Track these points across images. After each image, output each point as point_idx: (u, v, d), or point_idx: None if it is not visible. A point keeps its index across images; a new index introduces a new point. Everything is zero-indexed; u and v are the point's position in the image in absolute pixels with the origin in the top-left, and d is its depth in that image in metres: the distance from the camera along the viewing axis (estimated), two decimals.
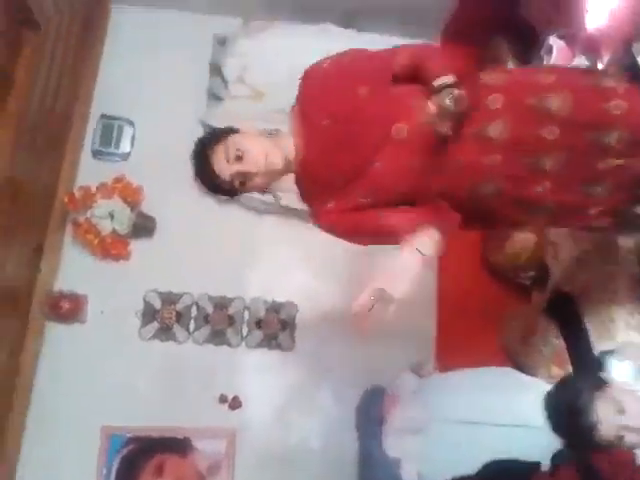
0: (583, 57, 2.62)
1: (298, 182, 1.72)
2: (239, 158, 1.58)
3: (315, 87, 1.70)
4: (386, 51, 1.68)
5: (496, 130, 1.58)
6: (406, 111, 1.56)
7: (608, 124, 1.60)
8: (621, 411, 1.95)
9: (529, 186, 1.62)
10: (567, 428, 2.12)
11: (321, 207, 1.65)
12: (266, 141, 1.64)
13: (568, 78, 1.69)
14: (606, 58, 2.35)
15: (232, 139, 1.62)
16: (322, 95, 1.65)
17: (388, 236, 1.60)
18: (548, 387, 2.49)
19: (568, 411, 2.08)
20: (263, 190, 1.71)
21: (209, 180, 1.65)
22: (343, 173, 1.59)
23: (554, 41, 2.70)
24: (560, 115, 1.59)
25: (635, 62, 2.10)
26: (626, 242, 2.43)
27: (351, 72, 1.64)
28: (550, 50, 2.72)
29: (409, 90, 1.61)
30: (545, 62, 2.78)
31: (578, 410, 2.01)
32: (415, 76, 1.61)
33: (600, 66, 2.36)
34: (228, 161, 1.58)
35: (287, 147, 1.65)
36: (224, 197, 1.72)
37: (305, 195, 1.73)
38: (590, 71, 1.72)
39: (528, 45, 3.14)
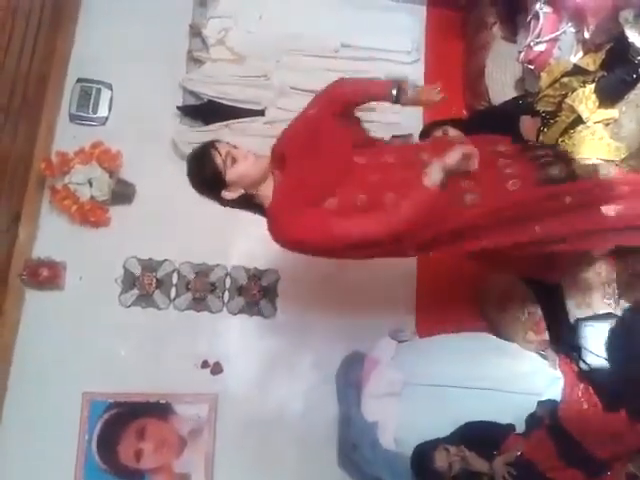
0: (569, 24, 2.60)
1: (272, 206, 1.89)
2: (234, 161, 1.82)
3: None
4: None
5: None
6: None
7: None
8: None
9: None
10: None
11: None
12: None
13: None
14: (592, 25, 2.33)
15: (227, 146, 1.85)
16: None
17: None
18: (524, 352, 2.54)
19: None
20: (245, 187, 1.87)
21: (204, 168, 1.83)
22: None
23: (541, 7, 2.68)
24: None
25: (622, 31, 2.09)
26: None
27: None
28: (537, 16, 2.70)
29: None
30: (532, 28, 2.76)
31: None
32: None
33: (587, 35, 2.34)
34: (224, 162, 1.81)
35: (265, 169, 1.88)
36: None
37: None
38: None
39: (515, 10, 3.11)
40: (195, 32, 3.22)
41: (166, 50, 3.20)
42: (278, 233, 1.86)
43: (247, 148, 1.88)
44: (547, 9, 2.58)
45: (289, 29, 3.20)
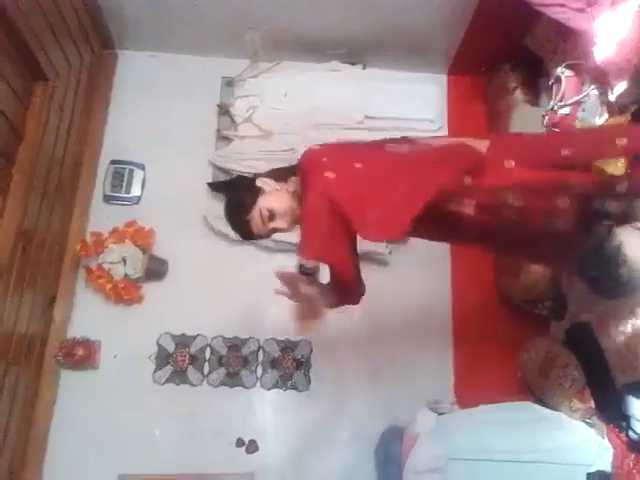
0: (592, 86, 2.62)
1: None
2: (271, 217, 1.86)
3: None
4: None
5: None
6: None
7: None
8: None
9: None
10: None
11: None
12: (286, 196, 1.88)
13: None
14: (616, 88, 2.34)
15: (261, 202, 1.86)
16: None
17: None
18: (570, 421, 2.44)
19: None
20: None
21: (248, 235, 1.94)
22: None
23: (562, 71, 2.71)
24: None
25: None
26: None
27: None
28: (558, 79, 2.72)
29: None
30: (554, 92, 2.78)
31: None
32: None
33: (611, 97, 2.35)
34: (263, 223, 1.87)
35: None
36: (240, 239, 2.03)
37: None
38: None
39: (536, 74, 3.15)
40: (223, 111, 3.32)
41: (196, 130, 3.30)
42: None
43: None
44: (568, 72, 2.61)
45: (314, 104, 3.28)
